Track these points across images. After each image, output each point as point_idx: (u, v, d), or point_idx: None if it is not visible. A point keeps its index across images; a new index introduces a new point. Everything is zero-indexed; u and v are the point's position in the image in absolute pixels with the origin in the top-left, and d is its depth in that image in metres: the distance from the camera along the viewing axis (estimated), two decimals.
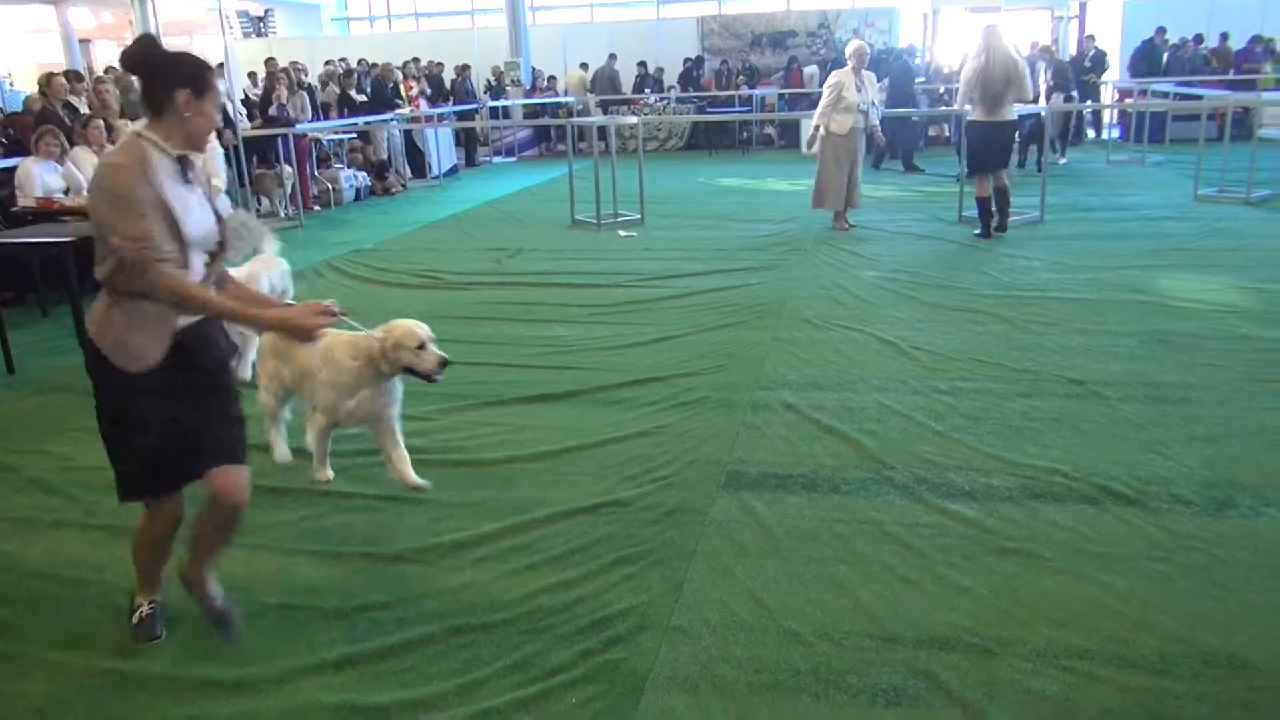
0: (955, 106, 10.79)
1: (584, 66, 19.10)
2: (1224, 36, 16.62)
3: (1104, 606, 2.83)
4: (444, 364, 3.37)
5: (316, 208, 11.91)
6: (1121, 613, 2.79)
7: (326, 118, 13.41)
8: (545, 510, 3.56)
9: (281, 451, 3.94)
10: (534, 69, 19.39)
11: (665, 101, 18.30)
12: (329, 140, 13.16)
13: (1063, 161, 13.39)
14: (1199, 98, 12.01)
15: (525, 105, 18.19)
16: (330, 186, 12.27)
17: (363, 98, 14.46)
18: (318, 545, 3.39)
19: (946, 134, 16.41)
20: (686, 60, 19.25)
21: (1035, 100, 10.58)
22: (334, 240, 9.66)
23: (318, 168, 12.46)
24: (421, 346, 3.35)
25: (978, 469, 3.78)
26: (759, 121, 17.74)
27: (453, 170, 15.73)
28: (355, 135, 13.65)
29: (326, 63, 16.00)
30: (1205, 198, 9.89)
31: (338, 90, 14.20)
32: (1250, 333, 5.32)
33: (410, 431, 3.86)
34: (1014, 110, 8.21)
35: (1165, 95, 13.77)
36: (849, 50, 9.04)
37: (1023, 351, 5.18)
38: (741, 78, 18.61)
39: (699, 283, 7.10)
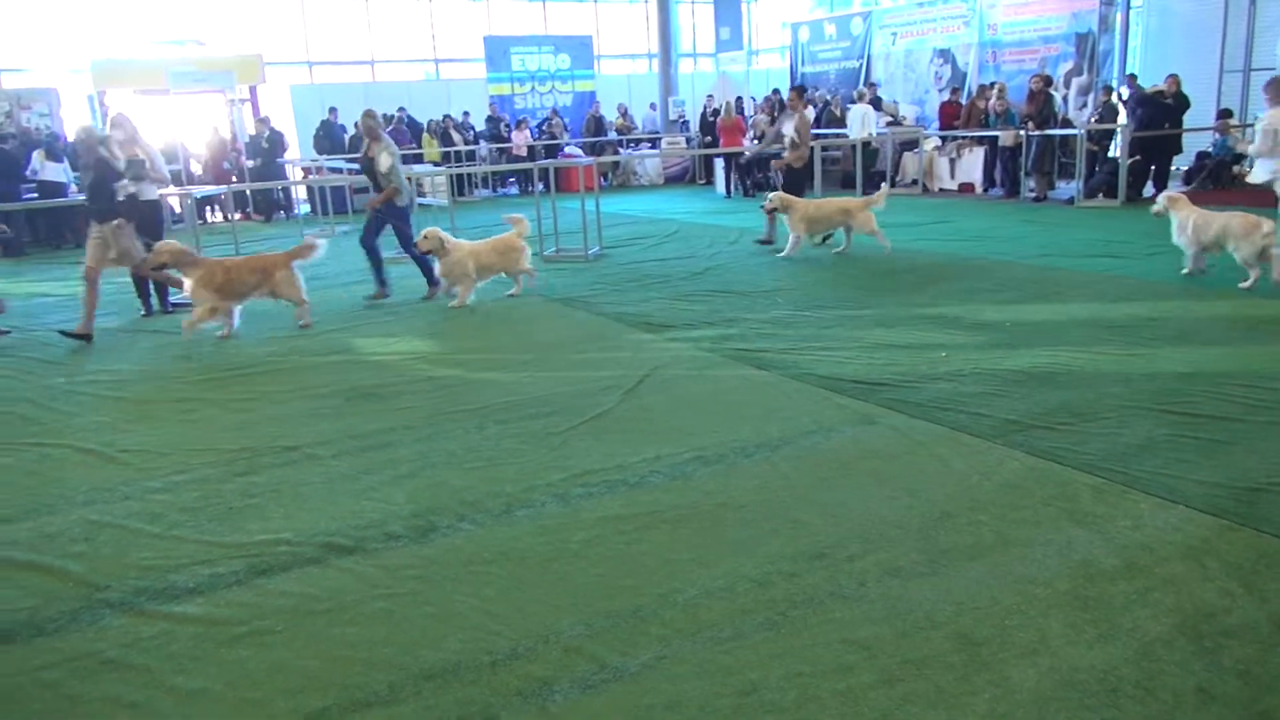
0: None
1: None
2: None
3: (335, 659, 2.94)
4: None
5: None
6: (352, 658, 2.94)
7: None
8: None
9: None
10: None
11: None
12: None
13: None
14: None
15: None
16: None
17: None
18: None
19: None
20: None
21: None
22: None
23: None
24: None
25: (202, 561, 3.63)
26: None
27: None
28: None
29: None
30: (392, 259, 11.01)
31: None
32: (434, 374, 6.08)
33: None
34: (153, 190, 8.43)
35: (340, 171, 15.04)
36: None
37: (236, 431, 5.15)
38: None
39: None
